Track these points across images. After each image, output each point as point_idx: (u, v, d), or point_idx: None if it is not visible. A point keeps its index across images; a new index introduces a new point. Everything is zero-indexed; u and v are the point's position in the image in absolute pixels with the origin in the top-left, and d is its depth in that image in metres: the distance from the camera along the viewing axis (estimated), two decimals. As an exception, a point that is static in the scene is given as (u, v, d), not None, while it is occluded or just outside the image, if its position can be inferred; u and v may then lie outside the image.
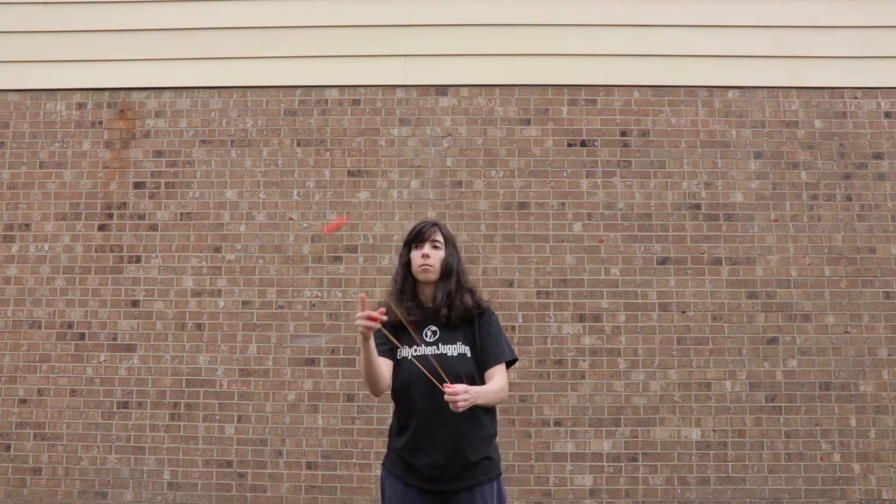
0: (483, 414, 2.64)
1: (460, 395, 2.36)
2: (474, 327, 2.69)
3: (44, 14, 4.97)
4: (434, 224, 2.76)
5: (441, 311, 2.67)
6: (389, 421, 4.37)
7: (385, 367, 2.61)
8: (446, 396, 2.37)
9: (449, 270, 2.71)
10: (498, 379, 2.62)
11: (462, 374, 2.60)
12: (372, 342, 2.48)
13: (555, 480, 4.42)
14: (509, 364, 2.71)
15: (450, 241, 2.76)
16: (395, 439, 2.68)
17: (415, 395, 2.59)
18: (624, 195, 4.71)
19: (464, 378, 2.59)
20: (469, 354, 2.65)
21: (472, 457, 2.58)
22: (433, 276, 2.69)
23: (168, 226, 4.75)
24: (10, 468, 4.54)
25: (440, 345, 2.64)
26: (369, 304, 2.47)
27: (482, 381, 2.64)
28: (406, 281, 2.72)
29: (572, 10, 4.87)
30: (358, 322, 2.40)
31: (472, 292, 2.73)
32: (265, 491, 4.46)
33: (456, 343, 2.65)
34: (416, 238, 2.73)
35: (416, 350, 2.63)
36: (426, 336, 2.67)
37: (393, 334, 2.64)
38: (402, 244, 2.80)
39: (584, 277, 4.62)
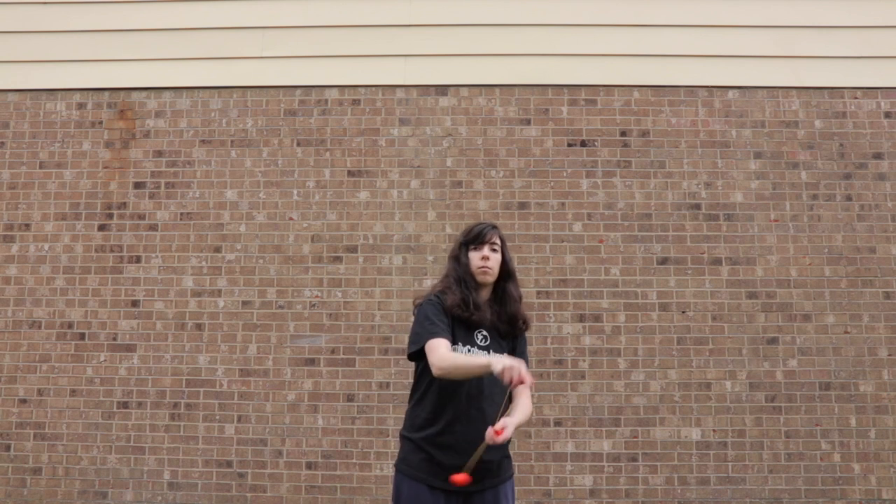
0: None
1: (500, 439, 2.35)
2: (516, 342, 2.70)
3: (44, 14, 4.97)
4: (494, 227, 2.73)
5: (503, 314, 2.65)
6: (389, 421, 4.41)
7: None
8: (492, 439, 2.34)
9: (507, 274, 2.70)
10: (525, 399, 2.62)
11: (498, 389, 2.57)
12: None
13: (555, 480, 4.42)
14: None
15: (505, 245, 2.74)
16: (418, 432, 2.60)
17: (461, 395, 2.54)
18: (624, 195, 4.71)
19: (503, 391, 2.57)
20: None
21: (496, 459, 2.60)
22: (491, 278, 2.67)
23: (168, 226, 4.75)
24: (10, 468, 4.54)
25: (491, 351, 2.62)
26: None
27: (507, 396, 2.65)
28: (469, 280, 2.66)
29: (572, 10, 4.87)
30: (513, 380, 2.29)
31: (520, 300, 2.72)
32: (265, 491, 4.46)
33: (503, 353, 2.63)
34: (477, 239, 2.69)
35: (469, 350, 2.60)
36: (478, 339, 2.64)
37: (450, 322, 2.59)
38: (457, 244, 2.75)
39: (584, 277, 4.62)
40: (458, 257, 2.71)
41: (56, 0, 4.97)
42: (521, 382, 2.29)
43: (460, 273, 2.68)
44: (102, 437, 4.55)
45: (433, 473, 2.54)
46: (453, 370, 2.45)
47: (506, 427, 2.37)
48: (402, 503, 2.59)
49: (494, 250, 2.69)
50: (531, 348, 4.49)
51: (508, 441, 2.63)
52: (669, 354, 4.54)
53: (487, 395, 2.55)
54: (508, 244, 4.70)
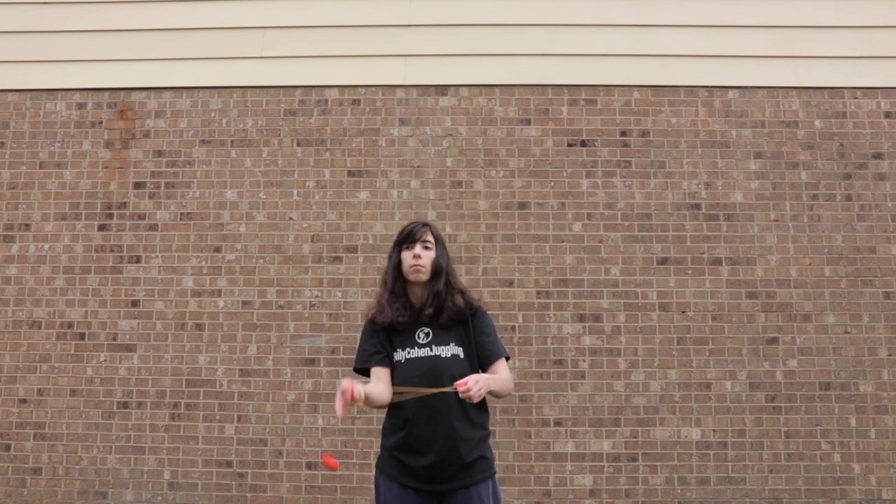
0: (477, 414, 2.64)
1: (472, 388, 2.38)
2: (468, 328, 2.68)
3: (44, 14, 4.97)
4: (425, 224, 2.75)
5: (426, 310, 2.65)
6: (389, 421, 4.40)
7: (385, 378, 2.62)
8: (461, 394, 2.39)
9: (438, 270, 2.70)
10: (503, 373, 2.64)
11: (456, 374, 2.59)
12: (367, 394, 2.48)
13: (555, 480, 4.42)
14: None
15: (440, 242, 2.76)
16: (389, 438, 2.68)
17: (410, 399, 2.58)
18: (624, 195, 4.71)
19: (458, 378, 2.59)
20: (462, 355, 2.65)
21: (467, 457, 2.58)
22: (424, 276, 2.69)
23: (168, 226, 4.75)
24: (10, 468, 4.54)
25: (433, 346, 2.64)
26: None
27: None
28: (396, 282, 2.72)
29: (572, 10, 4.87)
30: (339, 410, 2.39)
31: (462, 293, 2.72)
32: (265, 491, 4.46)
33: (449, 344, 2.64)
34: (407, 239, 2.72)
35: (409, 353, 2.63)
36: (418, 338, 2.66)
37: (386, 337, 2.65)
38: (392, 244, 2.79)
39: (584, 277, 4.62)
40: (391, 258, 2.77)
41: (56, 0, 4.97)
42: (351, 399, 2.38)
43: (393, 274, 2.73)
44: (102, 437, 4.55)
45: (403, 473, 2.61)
46: (369, 405, 2.58)
47: (476, 381, 2.39)
48: (380, 499, 2.67)
49: (427, 248, 2.71)
50: (531, 348, 4.50)
51: (482, 440, 2.64)
52: (669, 354, 4.54)
53: (434, 405, 2.56)
54: (509, 244, 4.72)
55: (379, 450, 2.78)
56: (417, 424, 2.57)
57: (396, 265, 2.73)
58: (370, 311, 2.75)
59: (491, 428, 2.76)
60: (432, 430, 2.55)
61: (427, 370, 2.58)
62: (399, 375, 2.61)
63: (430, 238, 2.73)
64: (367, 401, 2.51)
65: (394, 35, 4.86)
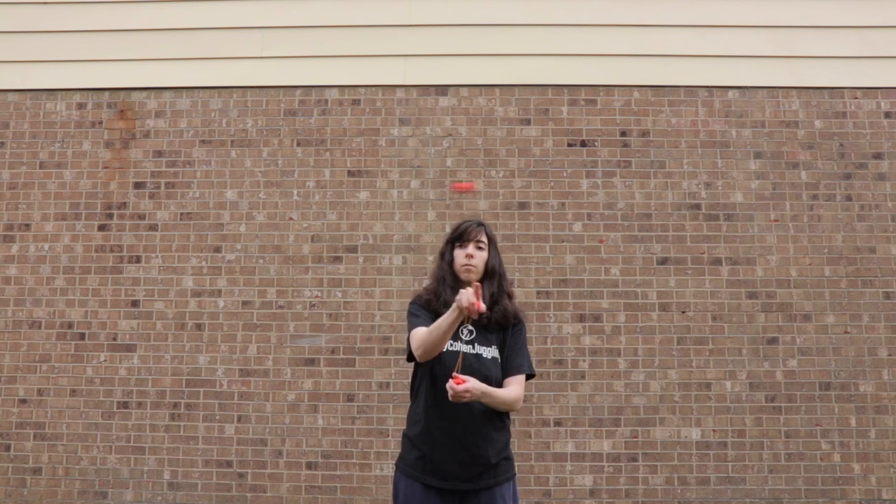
0: (504, 416, 2.65)
1: (460, 388, 2.40)
2: (507, 334, 2.69)
3: (44, 14, 4.97)
4: (480, 224, 2.75)
5: (485, 312, 2.63)
6: (389, 421, 4.41)
7: None
8: (450, 386, 2.40)
9: (492, 272, 2.71)
10: (514, 387, 2.63)
11: (493, 377, 2.60)
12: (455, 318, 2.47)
13: (555, 480, 4.43)
14: (527, 378, 2.72)
15: (493, 243, 2.76)
16: (413, 427, 2.65)
17: (445, 389, 2.55)
18: (624, 195, 4.71)
19: (493, 382, 2.59)
20: (500, 359, 2.67)
21: (493, 458, 2.59)
22: (475, 276, 2.69)
23: (168, 226, 4.75)
24: (10, 468, 4.54)
25: (476, 345, 2.65)
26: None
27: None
28: (453, 279, 2.71)
29: (572, 10, 4.87)
30: (468, 304, 2.37)
31: (510, 297, 2.73)
32: (265, 491, 4.46)
33: (491, 346, 2.66)
34: (461, 237, 2.72)
35: (452, 346, 2.62)
36: (462, 334, 2.65)
37: (432, 318, 2.62)
38: (444, 242, 2.79)
39: (584, 277, 4.62)
40: (444, 255, 2.76)
41: (56, 0, 4.97)
42: (476, 307, 2.38)
43: (444, 271, 2.73)
44: (102, 437, 4.55)
45: (427, 472, 2.59)
46: (430, 341, 2.50)
47: (467, 381, 2.43)
48: (400, 499, 2.64)
49: (480, 248, 2.71)
50: (532, 348, 4.49)
51: (507, 442, 2.65)
52: (669, 354, 4.54)
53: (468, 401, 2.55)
54: (509, 244, 4.72)
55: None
56: (448, 416, 2.56)
57: (449, 262, 2.73)
58: (419, 295, 2.73)
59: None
60: (464, 426, 2.54)
61: (467, 366, 2.57)
62: (438, 365, 2.59)
63: (484, 238, 2.73)
64: (447, 333, 2.49)
65: (394, 35, 4.86)
